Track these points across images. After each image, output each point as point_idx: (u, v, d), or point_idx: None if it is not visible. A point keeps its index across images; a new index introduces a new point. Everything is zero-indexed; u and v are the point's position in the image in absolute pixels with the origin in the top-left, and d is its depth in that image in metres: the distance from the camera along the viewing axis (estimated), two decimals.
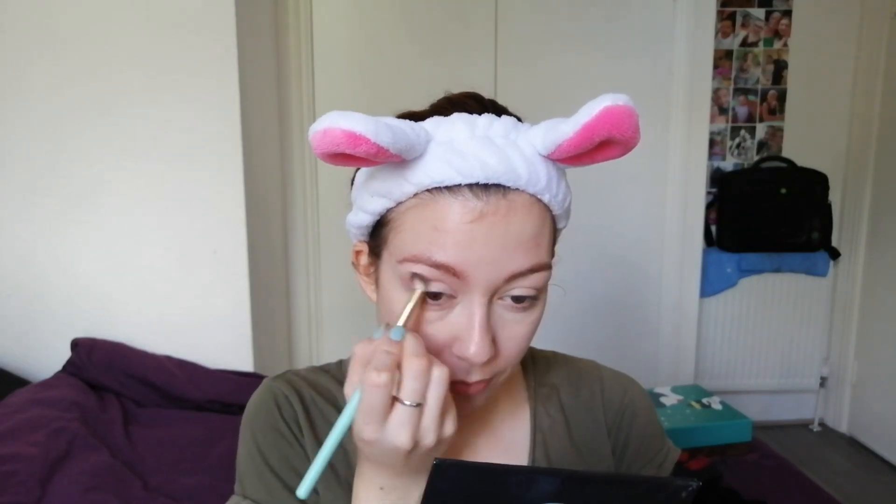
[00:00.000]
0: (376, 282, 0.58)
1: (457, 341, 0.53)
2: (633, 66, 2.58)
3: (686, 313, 2.75)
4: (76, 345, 1.73)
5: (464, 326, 0.52)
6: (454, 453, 0.64)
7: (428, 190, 0.51)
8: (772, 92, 2.70)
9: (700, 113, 2.62)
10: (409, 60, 2.48)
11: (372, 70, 2.48)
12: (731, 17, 2.65)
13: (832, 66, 2.70)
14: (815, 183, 2.69)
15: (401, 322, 0.50)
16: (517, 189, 0.51)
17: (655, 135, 2.62)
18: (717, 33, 2.62)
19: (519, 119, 0.55)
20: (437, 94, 0.60)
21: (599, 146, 0.49)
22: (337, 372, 0.69)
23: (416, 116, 0.55)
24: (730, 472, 1.64)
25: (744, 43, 2.67)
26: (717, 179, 2.72)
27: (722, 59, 2.66)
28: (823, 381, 2.87)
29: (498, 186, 0.51)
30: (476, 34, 2.51)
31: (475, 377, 0.54)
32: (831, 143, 2.74)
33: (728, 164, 2.73)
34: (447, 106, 0.56)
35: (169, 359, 1.79)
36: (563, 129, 0.48)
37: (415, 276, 0.52)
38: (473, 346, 0.51)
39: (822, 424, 2.88)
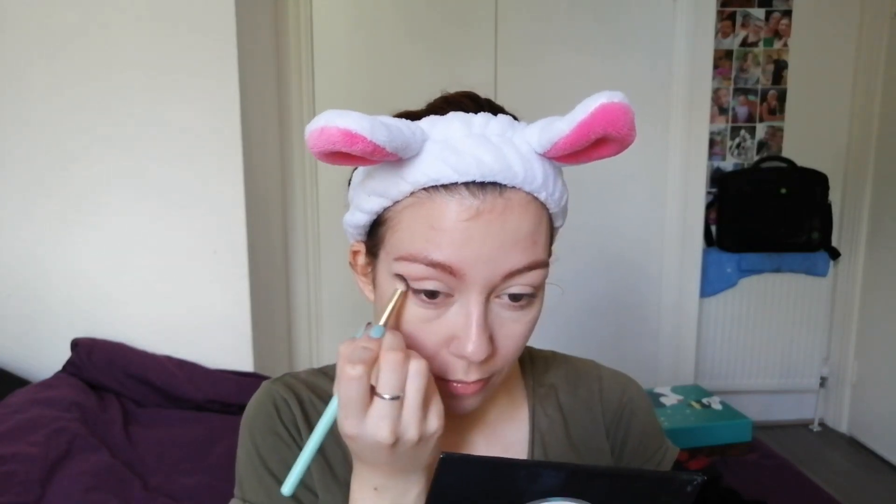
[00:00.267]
0: (373, 281, 0.58)
1: (454, 340, 0.53)
2: (633, 66, 2.58)
3: (686, 313, 2.75)
4: (76, 345, 1.73)
5: (461, 325, 0.52)
6: None
7: (424, 188, 0.51)
8: (772, 92, 2.70)
9: (700, 113, 2.62)
10: (409, 61, 2.48)
11: (372, 70, 2.48)
12: (731, 17, 2.65)
13: (832, 66, 2.70)
14: (815, 183, 2.69)
15: (382, 321, 0.51)
16: (513, 187, 0.51)
17: (655, 135, 2.62)
18: (717, 33, 2.62)
19: (515, 118, 0.55)
20: (437, 95, 0.60)
21: (595, 144, 0.49)
22: (335, 374, 0.69)
23: (413, 116, 0.55)
24: (730, 472, 1.64)
25: (744, 43, 2.67)
26: (717, 179, 2.72)
27: (722, 59, 2.66)
28: (823, 381, 2.87)
29: (494, 184, 0.51)
30: (476, 34, 2.51)
31: (473, 376, 0.54)
32: (831, 143, 2.74)
33: (728, 164, 2.73)
34: (443, 105, 0.56)
35: (169, 359, 1.79)
36: (559, 127, 0.48)
37: (397, 276, 0.52)
38: (471, 345, 0.51)
39: (822, 424, 2.88)
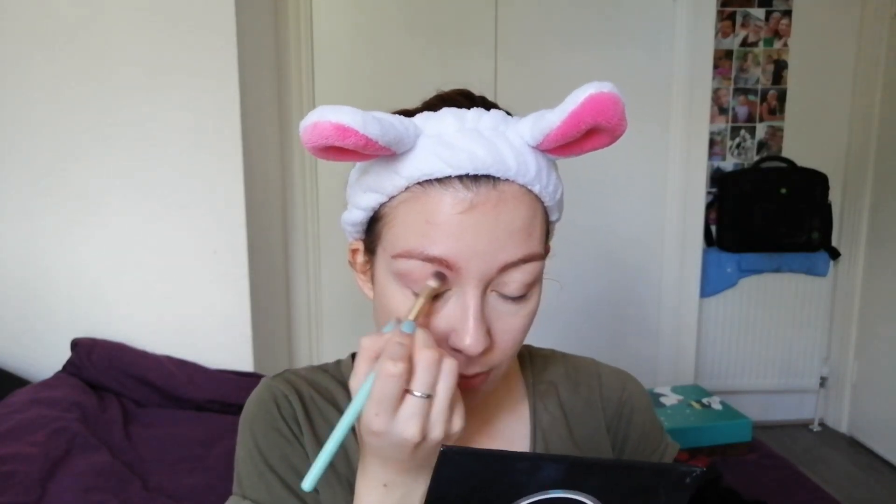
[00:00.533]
0: (372, 279, 0.58)
1: (452, 333, 0.53)
2: (633, 65, 2.58)
3: (686, 313, 2.75)
4: (76, 345, 1.74)
5: (458, 318, 0.53)
6: None
7: (419, 183, 0.52)
8: (772, 92, 2.70)
9: (700, 113, 2.62)
10: (409, 59, 2.48)
11: (372, 69, 2.48)
12: (731, 17, 2.65)
13: (832, 66, 2.69)
14: (815, 183, 2.69)
15: (411, 316, 0.50)
16: (507, 180, 0.52)
17: (655, 135, 2.62)
18: (717, 33, 2.62)
19: (509, 114, 0.56)
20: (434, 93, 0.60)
21: (587, 135, 0.50)
22: (336, 371, 0.69)
23: (409, 114, 0.56)
24: (730, 472, 1.63)
25: (744, 43, 2.67)
26: (717, 179, 2.72)
27: (722, 59, 2.66)
28: (823, 382, 2.87)
29: (488, 177, 0.51)
30: (476, 34, 2.51)
31: (473, 370, 0.55)
32: (831, 143, 2.74)
33: (728, 164, 2.73)
34: (438, 103, 0.56)
35: (169, 359, 1.79)
36: (550, 119, 0.49)
37: (437, 274, 0.52)
38: (469, 338, 0.52)
39: (822, 424, 2.88)
